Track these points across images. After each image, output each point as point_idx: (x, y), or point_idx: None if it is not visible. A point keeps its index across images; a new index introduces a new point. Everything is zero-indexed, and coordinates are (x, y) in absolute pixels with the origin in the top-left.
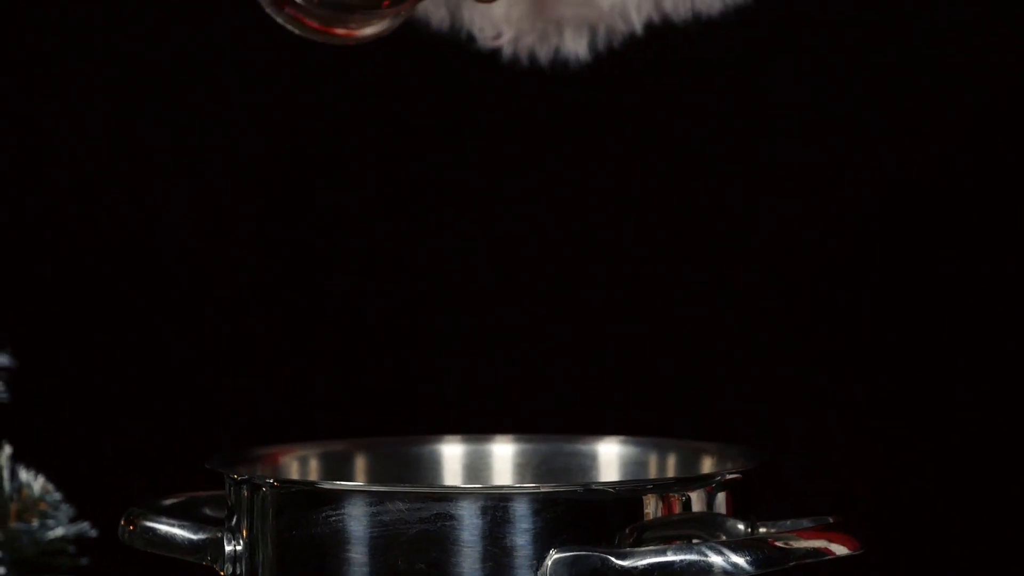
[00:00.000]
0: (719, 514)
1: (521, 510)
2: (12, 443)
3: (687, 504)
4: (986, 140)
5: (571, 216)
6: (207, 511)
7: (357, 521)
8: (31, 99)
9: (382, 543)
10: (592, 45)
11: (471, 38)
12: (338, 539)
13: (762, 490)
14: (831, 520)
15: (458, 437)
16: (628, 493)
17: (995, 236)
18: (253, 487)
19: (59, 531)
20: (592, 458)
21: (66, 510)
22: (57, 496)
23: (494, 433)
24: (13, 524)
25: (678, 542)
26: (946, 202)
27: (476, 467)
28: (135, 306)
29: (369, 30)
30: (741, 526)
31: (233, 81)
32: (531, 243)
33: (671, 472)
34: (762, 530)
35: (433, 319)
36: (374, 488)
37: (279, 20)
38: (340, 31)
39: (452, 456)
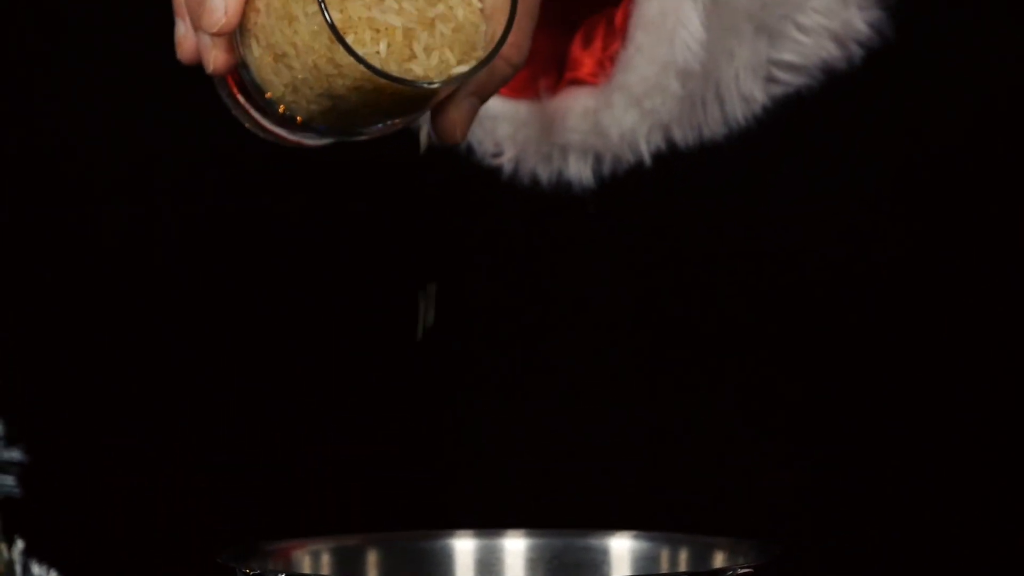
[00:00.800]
0: None
1: None
2: (24, 536)
3: None
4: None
5: (579, 311)
6: None
7: None
8: (31, 99)
9: None
10: (597, 171)
11: (470, 150)
12: None
13: None
14: None
15: (470, 532)
16: None
17: (987, 291)
18: None
19: None
20: (604, 553)
21: None
22: None
23: (506, 528)
24: None
25: None
26: (966, 265)
27: (488, 562)
28: (143, 394)
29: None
30: None
31: None
32: (536, 340)
33: (683, 567)
34: None
35: (445, 413)
36: None
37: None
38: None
39: (464, 551)
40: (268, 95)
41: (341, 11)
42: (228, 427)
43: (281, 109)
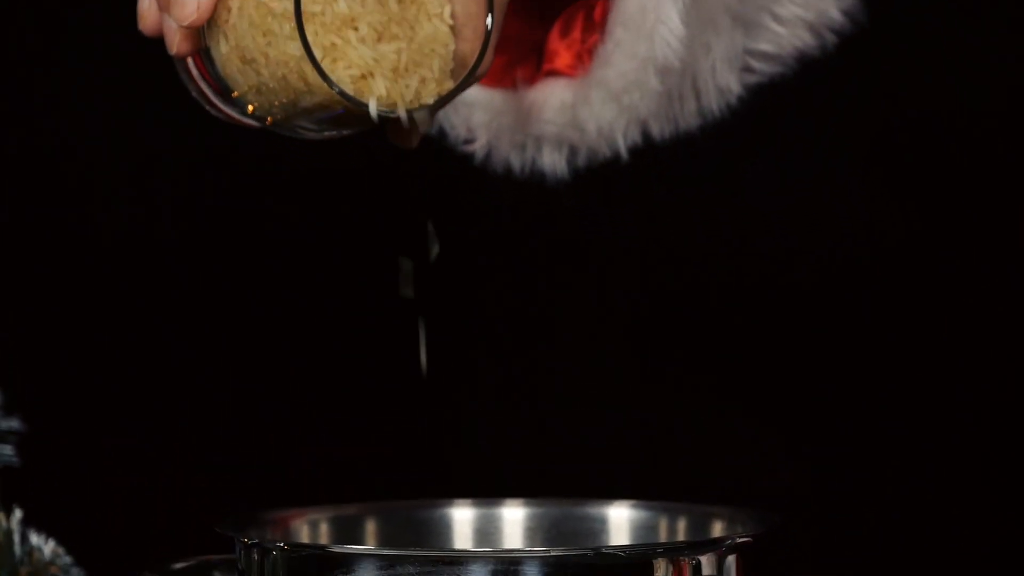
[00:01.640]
0: None
1: (531, 574)
2: (23, 506)
3: (697, 568)
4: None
5: (581, 280)
6: (218, 574)
7: None
8: (31, 99)
9: None
10: (571, 162)
11: (443, 134)
12: None
13: (773, 553)
14: None
15: (469, 501)
16: (638, 557)
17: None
18: (264, 551)
19: None
20: (603, 522)
21: (77, 573)
22: (68, 559)
23: (505, 497)
24: None
25: None
26: (952, 246)
27: (486, 531)
28: (144, 367)
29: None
30: None
31: None
32: (541, 308)
33: (681, 536)
34: None
35: (443, 382)
36: (385, 552)
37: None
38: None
39: (463, 520)
40: (235, 94)
41: (315, 33)
42: (229, 400)
43: (244, 105)
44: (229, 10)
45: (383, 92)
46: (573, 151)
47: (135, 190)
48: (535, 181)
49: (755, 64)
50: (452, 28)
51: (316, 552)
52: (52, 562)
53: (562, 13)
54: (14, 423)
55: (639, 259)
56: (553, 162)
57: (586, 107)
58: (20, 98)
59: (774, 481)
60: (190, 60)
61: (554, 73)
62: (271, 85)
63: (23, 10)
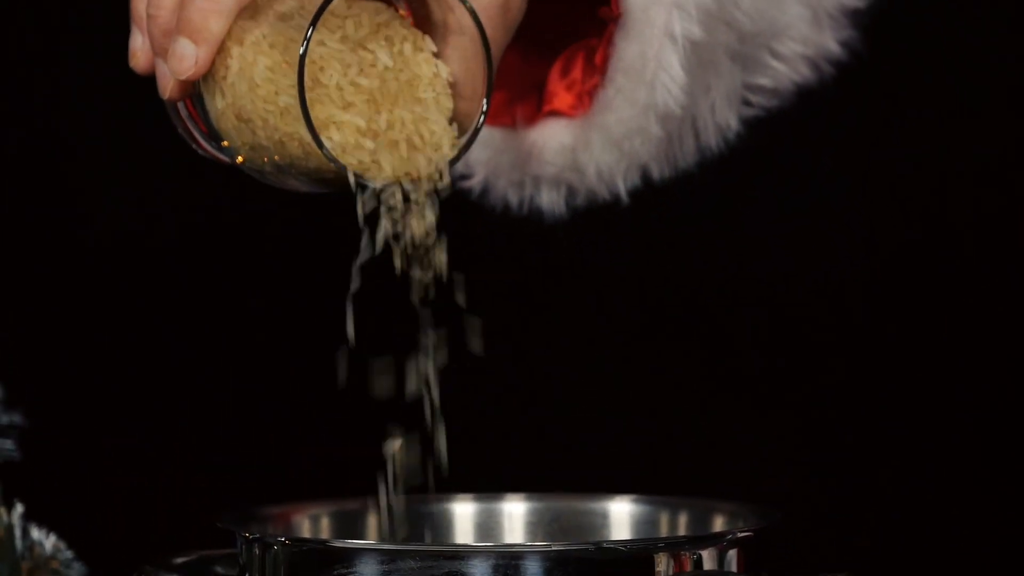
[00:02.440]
0: (731, 572)
1: (533, 568)
2: (23, 501)
3: (699, 562)
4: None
5: (581, 292)
6: (219, 569)
7: None
8: (31, 99)
9: None
10: (570, 202)
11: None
12: None
13: (774, 548)
14: None
15: (470, 495)
16: (640, 551)
17: (1004, 294)
18: (264, 545)
19: None
20: (604, 516)
21: (78, 568)
22: (69, 554)
23: (506, 491)
24: None
25: None
26: (952, 269)
27: (488, 525)
28: (145, 362)
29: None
30: None
31: None
32: (542, 314)
33: (683, 530)
34: None
35: (444, 377)
36: (386, 546)
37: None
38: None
39: (464, 514)
40: (225, 144)
41: (318, 102)
42: (229, 397)
43: (234, 155)
44: (228, 67)
45: (389, 172)
46: (571, 191)
47: (135, 190)
48: (533, 219)
49: (753, 98)
50: (451, 87)
51: (317, 547)
52: (53, 557)
53: (562, 52)
54: (16, 418)
55: (639, 274)
56: (551, 201)
57: (587, 152)
58: (20, 98)
59: (775, 476)
60: (180, 102)
61: (554, 113)
62: (266, 145)
63: (23, 10)
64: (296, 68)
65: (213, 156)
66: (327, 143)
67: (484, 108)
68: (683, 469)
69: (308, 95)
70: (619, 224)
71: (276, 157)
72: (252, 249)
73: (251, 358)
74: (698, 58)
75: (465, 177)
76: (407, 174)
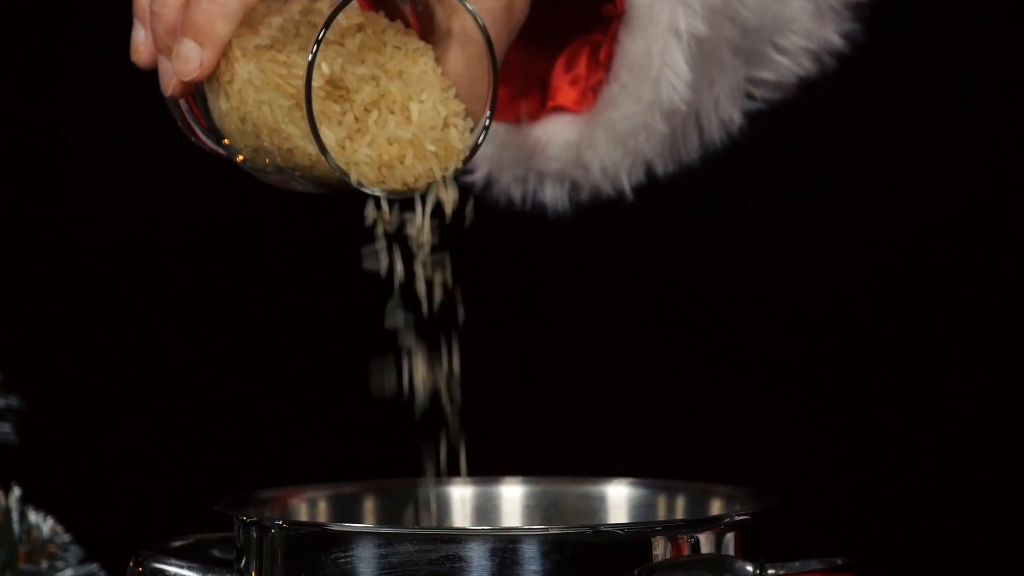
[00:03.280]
0: (728, 556)
1: (530, 552)
2: (21, 485)
3: (696, 546)
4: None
5: (581, 281)
6: (216, 553)
7: (366, 563)
8: (31, 99)
9: None
10: (573, 198)
11: None
12: None
13: (771, 531)
14: (840, 562)
15: (467, 479)
16: (637, 535)
17: (998, 284)
18: (262, 529)
19: (68, 573)
20: (601, 500)
21: (75, 552)
22: (66, 537)
23: (503, 475)
24: (22, 566)
25: None
26: (945, 252)
27: (485, 509)
28: (143, 346)
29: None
30: (750, 568)
31: None
32: (536, 290)
33: (680, 514)
34: (771, 572)
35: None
36: (383, 530)
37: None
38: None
39: (461, 498)
40: (226, 141)
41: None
42: (228, 382)
43: (235, 153)
44: (233, 71)
45: (398, 186)
46: (575, 187)
47: (135, 190)
48: (536, 213)
49: (755, 92)
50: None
51: (314, 530)
52: (51, 540)
53: (566, 48)
54: (13, 401)
55: (639, 265)
56: (555, 196)
57: (591, 148)
58: (20, 98)
59: (773, 461)
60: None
61: (558, 109)
62: (270, 149)
63: (25, 10)
64: (304, 80)
65: (211, 150)
66: (334, 157)
67: (489, 113)
68: (681, 454)
69: (316, 110)
70: (622, 217)
71: (280, 161)
72: (252, 244)
73: (250, 350)
74: (702, 54)
75: (468, 172)
76: (410, 185)
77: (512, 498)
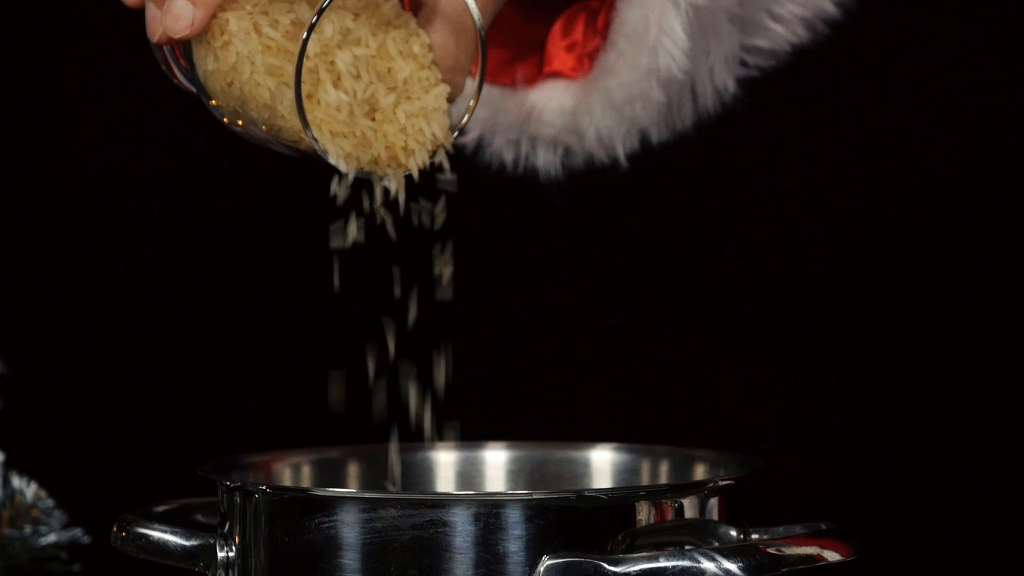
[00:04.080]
0: (712, 520)
1: (514, 517)
2: (5, 449)
3: (680, 511)
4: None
5: (563, 224)
6: (200, 517)
7: (350, 528)
8: (30, 100)
9: (375, 550)
10: (566, 164)
11: None
12: (331, 546)
13: (755, 496)
14: (824, 526)
15: (451, 444)
16: (621, 500)
17: (990, 247)
18: (245, 494)
19: (52, 537)
20: (585, 465)
21: (59, 516)
22: (50, 502)
23: (487, 440)
24: (5, 530)
25: (670, 548)
26: (933, 216)
27: (469, 474)
28: (127, 310)
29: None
30: (733, 532)
31: None
32: (523, 253)
33: (664, 479)
34: (754, 536)
35: (426, 326)
36: (367, 495)
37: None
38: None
39: (445, 463)
40: (213, 103)
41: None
42: (211, 346)
43: (221, 115)
44: (223, 32)
45: (376, 164)
46: (569, 153)
47: (133, 191)
48: (527, 177)
49: (749, 59)
50: (436, 61)
51: (298, 495)
52: (34, 505)
53: (564, 12)
54: None
55: (629, 232)
56: (547, 162)
57: (587, 115)
58: (20, 98)
59: (757, 426)
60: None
61: (554, 74)
62: (255, 116)
63: (24, 10)
64: (295, 61)
65: (188, 90)
66: (317, 135)
67: (476, 88)
68: (665, 419)
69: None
70: (615, 184)
71: (265, 127)
72: (236, 214)
73: (234, 314)
74: (700, 22)
75: (460, 133)
76: (394, 165)
77: (496, 463)
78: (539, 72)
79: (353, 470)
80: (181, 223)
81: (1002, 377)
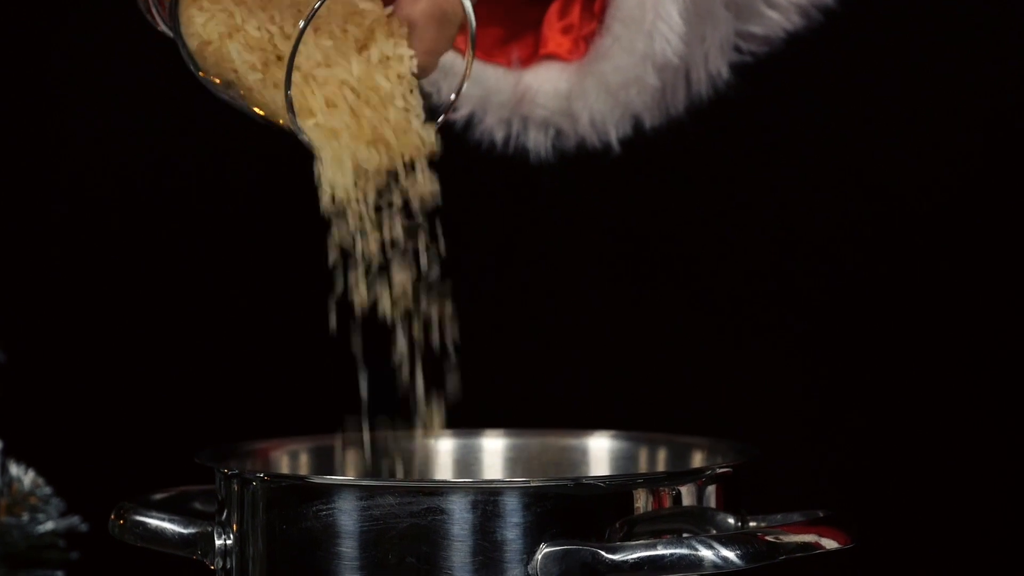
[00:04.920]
0: (709, 508)
1: (511, 504)
2: (3, 437)
3: (677, 498)
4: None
5: (566, 211)
6: (198, 505)
7: (347, 515)
8: (30, 100)
9: (372, 537)
10: (557, 146)
11: (425, 95)
12: (328, 533)
13: (752, 484)
14: (821, 514)
15: (449, 431)
16: (618, 487)
17: (987, 243)
18: (243, 481)
19: (49, 525)
20: (583, 452)
21: (56, 504)
22: (48, 490)
23: (485, 427)
24: (3, 518)
25: (668, 536)
26: (928, 203)
27: (467, 461)
28: (125, 299)
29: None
30: (731, 520)
31: None
32: (524, 243)
33: (661, 466)
34: (752, 524)
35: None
36: (364, 482)
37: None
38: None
39: (443, 450)
40: (201, 75)
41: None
42: (210, 334)
43: (209, 83)
44: (227, 21)
45: (378, 161)
46: (561, 136)
47: (132, 186)
48: (517, 157)
49: (743, 45)
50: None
51: (296, 483)
52: (32, 493)
53: None
54: None
55: (621, 217)
56: (538, 142)
57: (581, 99)
58: (20, 98)
59: (755, 414)
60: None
61: (550, 57)
62: (241, 92)
63: (23, 10)
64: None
65: (165, 33)
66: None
67: (467, 66)
68: (663, 407)
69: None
70: (606, 168)
71: (250, 100)
72: (233, 198)
73: (233, 302)
74: (696, 7)
75: (452, 108)
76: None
77: (493, 450)
78: (535, 53)
79: (351, 457)
80: (179, 211)
81: (1001, 366)
